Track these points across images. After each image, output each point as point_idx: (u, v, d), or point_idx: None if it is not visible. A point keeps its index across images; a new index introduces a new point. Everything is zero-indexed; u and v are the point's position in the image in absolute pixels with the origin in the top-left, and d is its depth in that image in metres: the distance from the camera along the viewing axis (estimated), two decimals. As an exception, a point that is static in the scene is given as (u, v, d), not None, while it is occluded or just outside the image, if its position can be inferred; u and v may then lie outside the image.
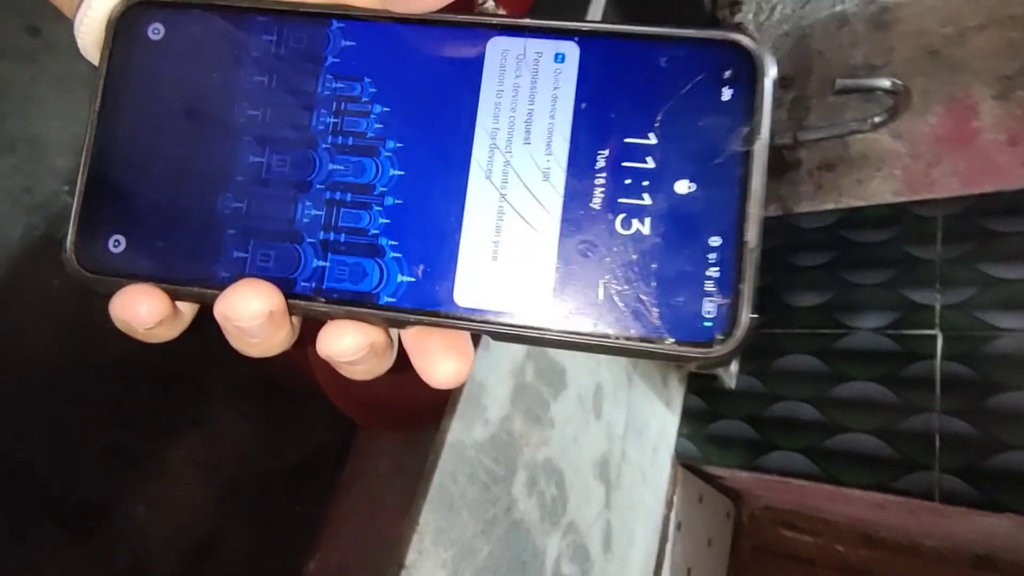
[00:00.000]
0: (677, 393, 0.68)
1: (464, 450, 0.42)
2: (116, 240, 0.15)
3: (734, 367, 0.65)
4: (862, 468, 0.56)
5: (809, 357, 0.63)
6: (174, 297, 0.15)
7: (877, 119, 0.66)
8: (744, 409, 0.65)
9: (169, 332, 0.16)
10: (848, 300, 0.64)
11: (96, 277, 0.15)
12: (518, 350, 0.47)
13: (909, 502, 0.53)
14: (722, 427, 0.66)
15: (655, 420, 0.64)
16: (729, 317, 0.13)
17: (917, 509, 0.54)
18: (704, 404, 0.68)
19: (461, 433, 0.41)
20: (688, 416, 0.68)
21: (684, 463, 0.67)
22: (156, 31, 0.16)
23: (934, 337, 0.57)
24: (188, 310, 0.16)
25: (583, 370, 0.54)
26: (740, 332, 0.13)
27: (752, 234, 0.14)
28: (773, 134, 0.14)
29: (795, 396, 0.62)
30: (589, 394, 0.54)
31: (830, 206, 0.70)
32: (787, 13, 0.90)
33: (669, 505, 0.64)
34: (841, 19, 0.84)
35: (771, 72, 0.14)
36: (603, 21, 0.16)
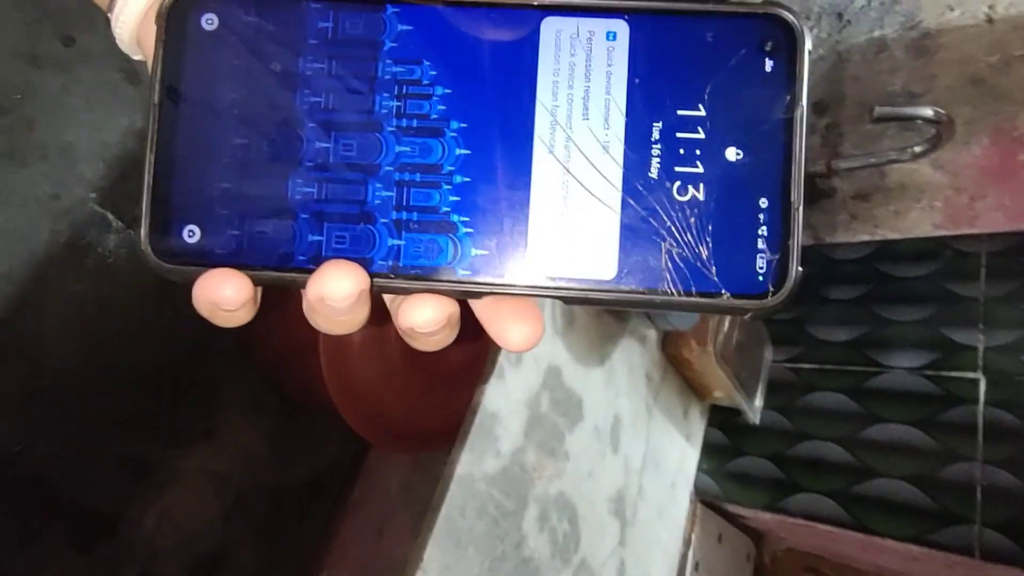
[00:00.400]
0: (698, 426, 0.65)
1: (473, 483, 0.40)
2: (190, 230, 0.16)
3: (758, 402, 0.62)
4: (896, 517, 0.52)
5: (839, 395, 0.60)
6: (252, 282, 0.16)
7: (917, 149, 0.63)
8: (768, 446, 0.62)
9: (247, 315, 0.16)
10: (883, 337, 0.61)
11: (173, 267, 0.16)
12: (533, 378, 0.45)
13: (947, 556, 0.50)
14: (744, 464, 0.63)
15: (674, 454, 0.61)
16: (779, 271, 0.15)
17: (955, 564, 0.51)
18: (726, 439, 0.65)
19: (471, 465, 0.40)
20: (709, 451, 0.65)
21: (703, 500, 0.64)
22: (210, 21, 0.16)
23: (976, 381, 0.54)
24: (257, 294, 0.16)
25: (601, 401, 0.52)
26: (790, 284, 0.15)
27: (797, 194, 0.15)
28: (810, 107, 0.15)
29: (823, 436, 0.59)
30: (607, 426, 0.52)
31: (865, 237, 0.67)
32: (823, 37, 0.88)
33: (687, 544, 0.61)
34: (880, 44, 0.81)
35: (808, 42, 0.15)
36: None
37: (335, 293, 0.15)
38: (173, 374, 0.83)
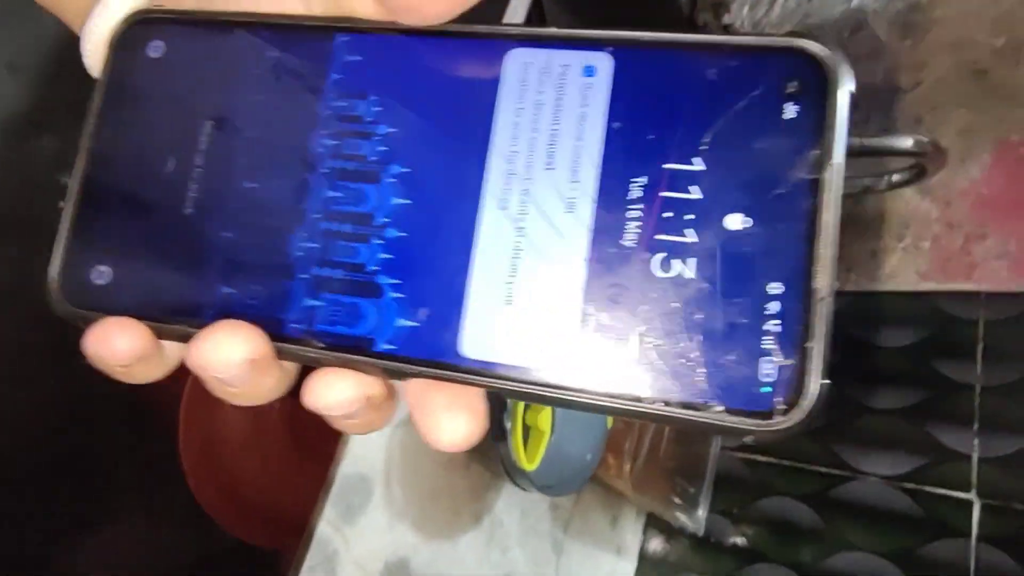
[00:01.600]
0: (633, 532, 0.54)
1: None
2: (100, 271, 0.14)
3: (701, 511, 0.50)
4: None
5: (800, 505, 0.49)
6: (157, 334, 0.14)
7: (896, 177, 0.49)
8: (716, 566, 0.51)
9: (151, 372, 0.14)
10: (855, 428, 0.48)
11: (79, 311, 0.14)
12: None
13: None
14: (689, 582, 0.52)
15: (600, 580, 0.50)
16: (793, 382, 0.11)
17: None
18: (668, 548, 0.54)
19: None
20: (647, 564, 0.54)
21: (642, 621, 0.53)
22: (156, 48, 0.15)
23: (969, 504, 0.42)
24: (174, 349, 0.14)
25: (481, 566, 0.40)
26: (808, 402, 0.11)
27: (823, 280, 0.11)
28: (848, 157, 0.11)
29: (780, 559, 0.48)
30: (490, 596, 0.41)
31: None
32: (791, 7, 0.72)
33: None
34: (858, 20, 0.65)
35: (847, 84, 0.12)
36: (642, 28, 0.13)
37: (214, 362, 0.13)
38: (54, 459, 0.73)
